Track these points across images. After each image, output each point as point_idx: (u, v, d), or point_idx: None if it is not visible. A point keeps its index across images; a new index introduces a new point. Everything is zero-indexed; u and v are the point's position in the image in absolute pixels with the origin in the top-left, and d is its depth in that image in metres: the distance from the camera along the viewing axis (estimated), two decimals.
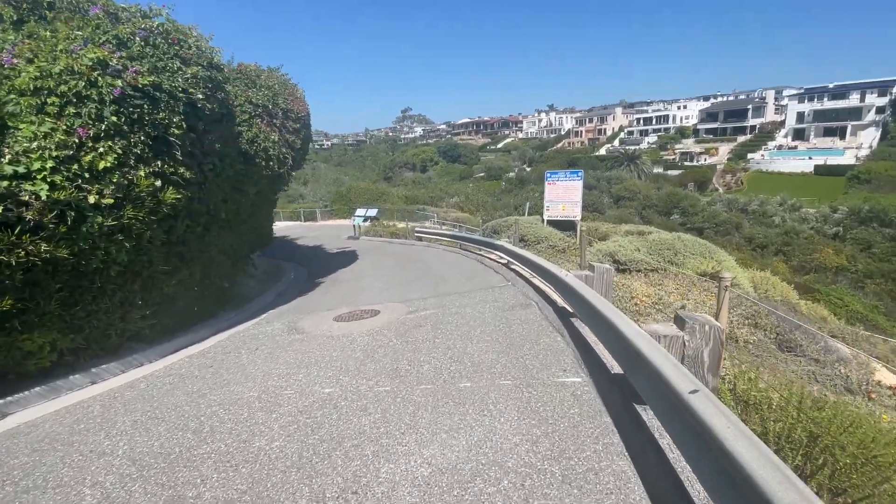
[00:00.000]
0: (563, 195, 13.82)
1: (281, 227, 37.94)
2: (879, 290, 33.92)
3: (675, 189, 58.58)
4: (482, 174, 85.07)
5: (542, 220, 14.67)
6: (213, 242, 8.72)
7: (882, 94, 63.06)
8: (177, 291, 7.64)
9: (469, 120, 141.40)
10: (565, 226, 14.52)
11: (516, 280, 9.47)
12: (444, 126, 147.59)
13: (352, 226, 28.99)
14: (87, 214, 5.67)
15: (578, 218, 13.88)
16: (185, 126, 7.13)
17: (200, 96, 7.42)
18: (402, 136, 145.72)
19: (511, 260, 10.17)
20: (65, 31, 6.40)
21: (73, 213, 5.50)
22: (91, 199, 5.72)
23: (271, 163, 10.89)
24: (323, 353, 6.08)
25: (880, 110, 63.24)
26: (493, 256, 12.01)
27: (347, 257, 18.01)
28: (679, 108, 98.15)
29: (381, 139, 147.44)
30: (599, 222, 15.74)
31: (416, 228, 19.79)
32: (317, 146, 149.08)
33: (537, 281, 8.22)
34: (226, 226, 9.48)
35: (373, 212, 37.14)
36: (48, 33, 6.38)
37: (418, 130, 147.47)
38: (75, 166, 5.64)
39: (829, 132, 68.95)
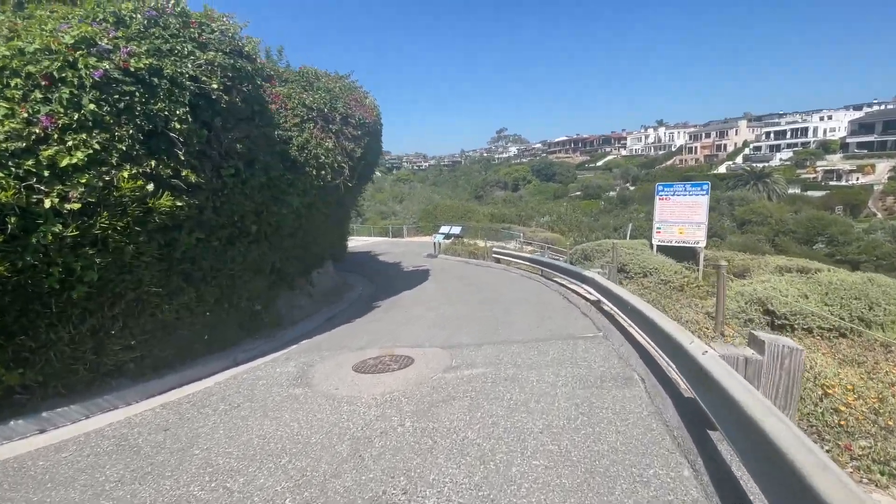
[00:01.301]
0: (681, 214, 10.52)
1: (369, 242, 38.42)
2: None
3: (820, 213, 48.19)
4: (578, 193, 79.79)
5: (651, 245, 11.45)
6: (238, 259, 7.40)
7: None
8: (179, 317, 6.33)
9: (566, 138, 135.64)
10: (682, 254, 11.11)
11: (610, 330, 6.67)
12: (539, 145, 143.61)
13: (432, 243, 27.66)
14: (38, 222, 4.46)
15: (702, 244, 10.44)
16: (191, 120, 5.85)
17: (216, 86, 6.12)
18: (497, 157, 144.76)
19: (603, 298, 7.37)
20: (63, 11, 5.50)
21: (17, 220, 4.31)
22: (47, 203, 4.51)
23: (323, 171, 9.53)
24: (301, 433, 4.09)
25: None
26: (580, 290, 9.24)
27: (417, 277, 16.35)
28: (822, 119, 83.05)
29: (475, 160, 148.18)
30: (726, 251, 11.89)
31: (494, 249, 17.49)
32: (415, 167, 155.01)
33: (641, 337, 5.42)
34: (260, 240, 8.20)
35: (456, 229, 35.63)
36: (45, 12, 5.52)
37: (513, 150, 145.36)
38: (30, 161, 4.48)
39: None
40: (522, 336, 6.85)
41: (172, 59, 5.79)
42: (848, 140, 73.66)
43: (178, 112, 5.68)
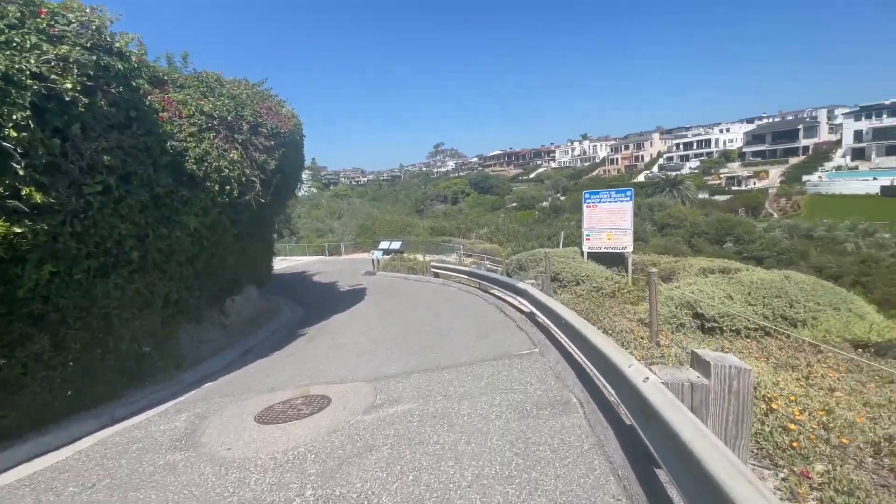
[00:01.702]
0: (608, 220, 10.60)
1: (304, 261, 36.42)
2: None
3: (726, 215, 53.08)
4: (514, 204, 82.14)
5: (582, 253, 11.45)
6: (115, 294, 6.13)
7: None
8: (27, 372, 5.01)
9: (500, 152, 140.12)
10: (611, 259, 11.19)
11: (545, 345, 6.25)
12: (475, 159, 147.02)
13: (371, 260, 26.62)
14: None
15: (629, 249, 10.58)
16: (34, 127, 4.68)
17: (70, 86, 5.00)
18: (435, 171, 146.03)
19: (537, 311, 6.98)
20: None
21: None
22: None
23: (228, 186, 8.42)
24: None
25: None
26: (516, 302, 8.86)
27: (352, 298, 15.33)
28: (721, 131, 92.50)
29: (414, 174, 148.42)
30: (651, 254, 12.25)
31: (433, 263, 16.93)
32: (353, 182, 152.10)
33: (577, 353, 5.01)
34: (147, 269, 6.95)
35: (396, 245, 34.83)
36: None
37: (450, 164, 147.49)
38: None
39: (892, 150, 61.84)
40: (456, 358, 6.24)
41: (8, 52, 4.63)
42: (744, 150, 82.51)
43: (14, 117, 4.52)
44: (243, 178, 8.76)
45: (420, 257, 26.90)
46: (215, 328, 10.51)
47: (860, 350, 4.67)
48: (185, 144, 7.97)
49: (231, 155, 8.53)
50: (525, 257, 11.94)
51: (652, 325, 4.98)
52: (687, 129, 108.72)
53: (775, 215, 60.03)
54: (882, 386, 3.68)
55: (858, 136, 64.60)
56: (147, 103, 7.69)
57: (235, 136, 8.86)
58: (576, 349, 4.85)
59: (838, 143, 68.95)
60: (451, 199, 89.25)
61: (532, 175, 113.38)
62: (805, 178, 65.31)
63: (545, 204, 76.42)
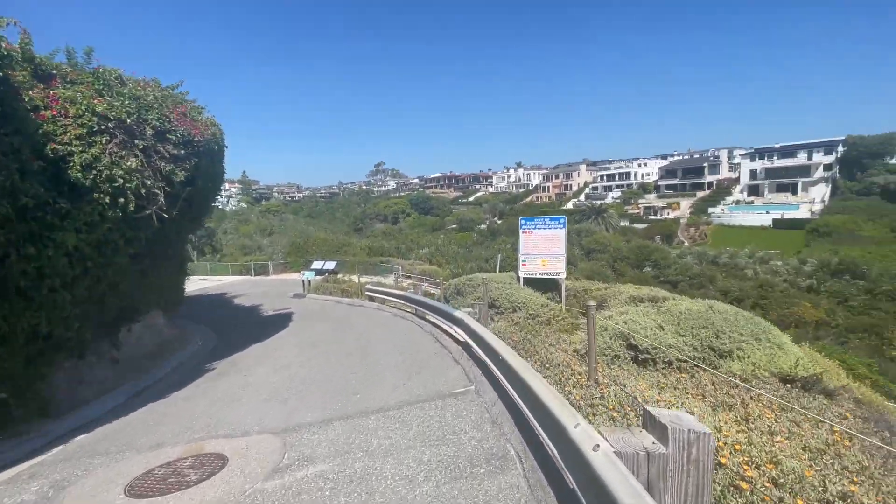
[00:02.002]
0: (543, 247, 10.62)
1: (227, 282, 33.65)
2: (864, 346, 31.75)
3: (645, 242, 57.49)
4: (454, 226, 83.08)
5: (518, 278, 11.34)
6: None
7: (828, 152, 65.84)
8: None
9: (441, 174, 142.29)
10: (546, 285, 11.18)
11: (482, 383, 5.80)
12: (416, 180, 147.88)
13: (301, 281, 25.05)
14: None
15: (562, 275, 10.63)
16: None
17: None
18: (376, 189, 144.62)
19: (474, 344, 6.55)
20: None
21: None
22: None
23: (122, 199, 7.21)
24: None
25: (828, 167, 65.71)
26: (453, 332, 8.39)
27: (275, 324, 14.03)
28: (639, 165, 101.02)
29: (354, 192, 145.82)
30: (584, 280, 12.51)
31: (368, 286, 16.10)
32: (287, 198, 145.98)
33: (515, 395, 4.60)
34: (6, 297, 5.61)
35: (330, 265, 33.35)
36: None
37: (391, 184, 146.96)
38: None
39: (781, 188, 71.00)
40: (384, 400, 5.58)
41: None
42: (659, 183, 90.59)
43: None
44: (143, 190, 7.57)
45: (356, 279, 25.87)
46: (103, 364, 8.91)
47: (788, 385, 4.76)
48: (69, 148, 6.73)
49: (129, 163, 7.35)
50: (463, 282, 11.60)
51: (590, 361, 4.72)
52: (610, 162, 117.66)
53: (686, 243, 65.92)
54: (816, 426, 3.64)
55: (753, 174, 73.43)
56: (24, 98, 6.45)
57: (136, 141, 7.69)
58: (514, 392, 4.43)
59: (737, 179, 77.85)
60: (391, 219, 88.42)
61: (471, 198, 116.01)
62: (710, 210, 72.69)
63: (483, 227, 78.11)
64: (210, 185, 11.37)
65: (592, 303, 4.64)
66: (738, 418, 3.75)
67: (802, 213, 62.70)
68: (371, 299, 15.91)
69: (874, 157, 60.04)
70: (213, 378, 8.41)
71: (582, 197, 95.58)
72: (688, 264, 47.68)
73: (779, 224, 62.15)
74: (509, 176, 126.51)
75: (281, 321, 14.74)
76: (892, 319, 31.95)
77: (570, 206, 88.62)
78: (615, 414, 3.92)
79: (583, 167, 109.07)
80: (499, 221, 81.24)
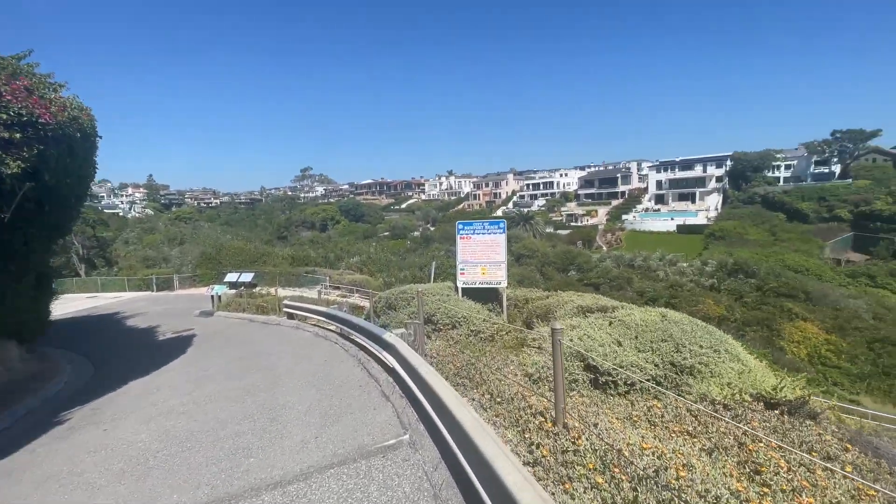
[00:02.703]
0: (482, 253, 9.68)
1: (123, 299, 29.13)
2: (758, 338, 35.21)
3: (568, 247, 60.08)
4: (387, 233, 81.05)
5: (456, 288, 10.30)
6: None
7: (719, 166, 73.88)
8: None
9: (373, 181, 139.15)
10: (486, 295, 10.25)
11: (418, 431, 4.51)
12: (346, 186, 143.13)
13: (209, 297, 22.00)
14: None
15: (504, 284, 9.77)
16: None
17: None
18: (303, 196, 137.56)
19: (408, 378, 5.25)
20: None
21: None
22: None
23: None
24: None
25: (719, 179, 73.66)
26: (383, 357, 7.04)
27: (167, 352, 11.65)
28: (561, 175, 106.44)
29: (278, 198, 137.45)
30: (522, 288, 11.78)
31: (286, 302, 14.12)
32: (202, 205, 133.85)
33: (463, 458, 3.40)
34: None
35: (247, 277, 30.13)
36: None
37: (319, 190, 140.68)
38: None
39: (682, 197, 78.35)
40: (288, 467, 4.10)
41: None
42: (578, 192, 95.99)
43: None
44: None
45: (277, 291, 23.31)
46: None
47: (774, 410, 4.13)
48: None
49: None
50: (396, 295, 10.28)
51: (557, 401, 3.68)
52: (535, 172, 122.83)
53: (604, 247, 70.02)
54: (830, 472, 2.89)
55: (659, 184, 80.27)
56: None
57: None
58: (460, 452, 3.24)
59: (646, 189, 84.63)
60: (319, 226, 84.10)
61: (404, 205, 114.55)
62: (624, 217, 78.12)
63: (417, 234, 77.06)
64: (71, 183, 8.95)
65: (559, 325, 3.62)
66: (750, 472, 2.90)
67: (700, 219, 69.48)
68: (290, 316, 13.96)
69: (755, 171, 68.34)
70: (63, 434, 6.26)
71: (510, 205, 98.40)
72: (608, 267, 50.32)
73: (681, 229, 68.28)
74: (441, 183, 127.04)
75: (177, 347, 12.33)
76: (780, 313, 35.92)
77: (499, 213, 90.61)
78: (599, 479, 2.88)
79: (510, 176, 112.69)
80: (432, 228, 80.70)
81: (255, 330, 13.76)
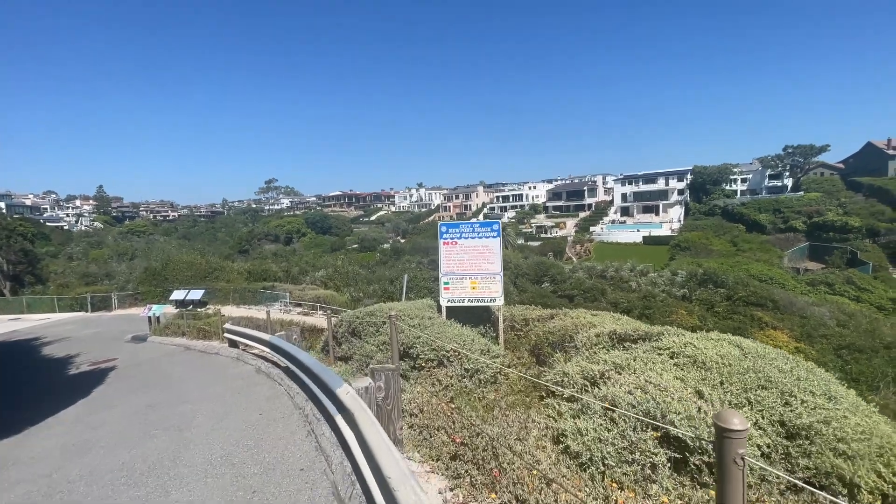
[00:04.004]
0: (472, 262, 7.58)
1: (50, 320, 25.21)
2: None
3: (541, 258, 59.09)
4: (355, 246, 77.79)
5: (439, 307, 8.16)
6: None
7: (680, 179, 75.63)
8: None
9: (341, 192, 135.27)
10: (476, 315, 8.13)
11: None
12: (313, 198, 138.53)
13: (147, 318, 18.80)
14: None
15: (499, 301, 7.70)
16: None
17: None
18: (267, 208, 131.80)
19: (374, 483, 3.02)
20: None
21: None
22: None
23: None
24: None
25: (681, 192, 75.33)
26: (337, 420, 4.72)
27: (68, 395, 8.86)
28: (530, 188, 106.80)
29: (241, 210, 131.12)
30: (521, 307, 9.67)
31: (227, 327, 11.47)
32: (159, 217, 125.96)
33: None
34: None
35: (196, 294, 26.81)
36: None
37: (285, 202, 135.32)
38: None
39: (647, 209, 79.62)
40: None
41: None
42: (547, 204, 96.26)
43: None
44: None
45: (222, 311, 20.25)
46: None
47: None
48: None
49: None
50: (362, 318, 7.98)
51: None
52: (504, 184, 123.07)
53: (574, 259, 69.71)
54: None
55: (624, 197, 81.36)
56: None
57: None
58: None
59: (612, 202, 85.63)
60: (283, 239, 79.85)
61: (373, 217, 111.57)
62: (591, 228, 78.43)
63: (386, 246, 74.29)
64: None
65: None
66: None
67: (665, 230, 70.49)
68: (232, 344, 11.34)
69: (714, 184, 70.22)
70: None
71: (481, 216, 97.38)
72: (581, 279, 49.40)
73: (647, 240, 68.94)
74: (411, 195, 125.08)
75: (82, 387, 9.50)
76: (750, 322, 35.71)
77: None
78: None
79: (480, 188, 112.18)
80: (402, 240, 78.22)
81: (188, 362, 11.04)
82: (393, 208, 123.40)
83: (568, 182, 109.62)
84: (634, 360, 4.42)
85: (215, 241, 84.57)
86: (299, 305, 25.32)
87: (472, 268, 7.58)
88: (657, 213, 77.77)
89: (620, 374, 4.26)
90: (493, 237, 7.61)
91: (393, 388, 3.78)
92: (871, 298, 37.79)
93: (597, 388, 4.12)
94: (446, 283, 7.63)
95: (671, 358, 4.47)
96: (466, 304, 7.59)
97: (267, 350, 8.87)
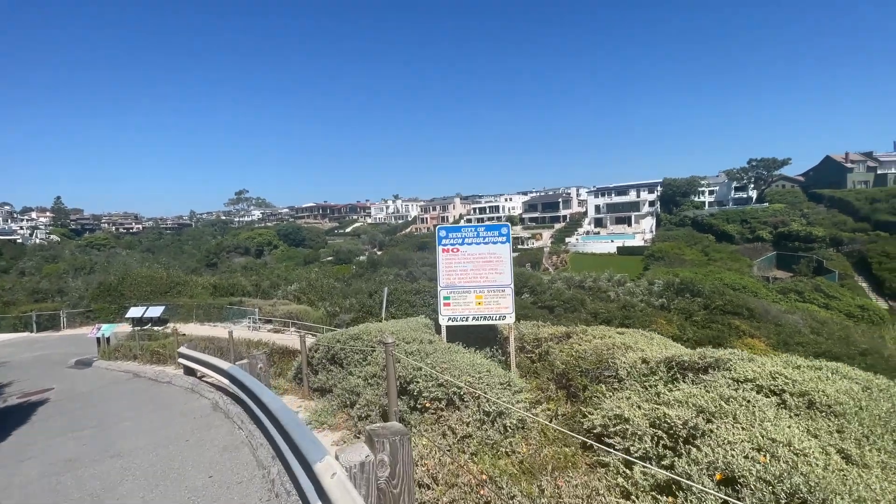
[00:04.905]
0: (477, 273, 6.32)
1: None
2: None
3: (520, 269, 58.54)
4: (330, 258, 75.27)
5: (437, 327, 6.86)
6: None
7: (651, 191, 77.20)
8: None
9: (315, 204, 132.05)
10: (481, 335, 6.86)
11: None
12: (286, 210, 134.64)
13: (95, 339, 16.62)
14: None
15: (510, 318, 6.47)
16: None
17: None
18: (238, 220, 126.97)
19: None
20: None
21: None
22: None
23: None
24: None
25: (652, 203, 76.84)
26: (325, 481, 3.36)
27: None
28: (506, 200, 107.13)
29: (210, 222, 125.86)
30: (527, 323, 8.49)
31: (182, 351, 9.75)
32: (122, 230, 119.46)
33: None
34: None
35: (155, 311, 24.42)
36: None
37: (256, 214, 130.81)
38: None
39: (619, 220, 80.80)
40: None
41: None
42: (523, 216, 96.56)
43: None
44: None
45: (192, 328, 18.28)
46: None
47: None
48: None
49: None
50: (345, 341, 6.55)
51: None
52: (480, 196, 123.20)
53: (551, 269, 69.59)
54: None
55: (598, 209, 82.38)
56: None
57: None
58: None
59: (585, 213, 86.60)
60: (254, 252, 76.50)
61: (349, 229, 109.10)
62: (567, 239, 78.78)
63: (363, 258, 72.18)
64: None
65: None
66: None
67: (637, 241, 71.43)
68: (188, 371, 9.63)
69: (684, 196, 71.92)
70: None
71: None
72: (560, 289, 48.91)
73: (621, 251, 69.62)
74: (388, 207, 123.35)
75: (4, 426, 7.63)
76: (728, 331, 35.82)
77: None
78: None
79: (457, 200, 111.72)
80: (379, 252, 76.30)
81: (133, 393, 9.26)
82: (369, 220, 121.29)
83: (543, 194, 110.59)
84: (727, 402, 3.24)
85: (181, 255, 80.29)
86: (269, 322, 23.35)
87: (477, 279, 6.32)
88: (630, 224, 78.97)
89: (712, 422, 3.07)
90: (502, 242, 6.39)
91: (402, 462, 2.47)
92: (840, 306, 38.61)
93: (688, 447, 2.90)
94: (446, 298, 6.33)
95: (770, 397, 3.32)
96: (471, 322, 6.30)
97: (226, 381, 7.29)
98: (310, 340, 8.32)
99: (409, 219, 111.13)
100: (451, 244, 6.41)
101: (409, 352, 5.08)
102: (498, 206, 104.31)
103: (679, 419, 3.18)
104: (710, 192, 76.55)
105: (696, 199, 73.74)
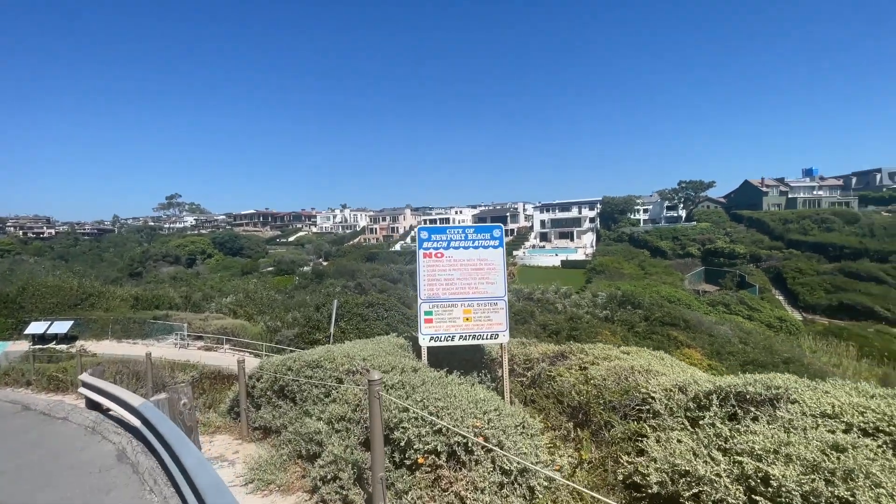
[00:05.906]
0: (465, 282, 5.28)
1: None
2: None
3: None
4: (271, 269, 70.56)
5: (416, 347, 5.70)
6: None
7: (591, 208, 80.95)
8: None
9: (255, 211, 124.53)
10: (466, 357, 5.81)
11: None
12: (223, 217, 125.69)
13: None
14: None
15: (505, 338, 5.48)
16: None
17: None
18: (168, 226, 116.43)
19: None
20: None
21: None
22: None
23: None
24: None
25: (592, 220, 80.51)
26: None
27: None
28: (456, 212, 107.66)
29: (135, 228, 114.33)
30: (519, 338, 7.45)
31: (84, 379, 7.72)
32: (31, 234, 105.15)
33: None
34: None
35: (62, 327, 20.88)
36: None
37: (189, 220, 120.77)
38: None
39: (563, 235, 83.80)
40: None
41: None
42: None
43: None
44: None
45: (107, 346, 15.50)
46: None
47: None
48: None
49: None
50: (299, 369, 5.14)
51: None
52: (431, 208, 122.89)
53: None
54: None
55: (543, 223, 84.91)
56: None
57: None
58: None
59: (531, 228, 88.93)
60: (185, 261, 69.97)
61: (292, 238, 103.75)
62: (515, 252, 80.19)
63: (307, 269, 68.38)
64: None
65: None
66: None
67: (580, 255, 74.23)
68: (91, 404, 7.62)
69: (621, 213, 76.07)
70: None
71: (408, 239, 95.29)
72: (511, 301, 49.24)
73: (566, 264, 71.92)
74: (335, 216, 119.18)
75: None
76: (667, 341, 37.55)
77: (398, 247, 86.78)
78: None
79: (408, 211, 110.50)
80: (325, 263, 72.80)
81: (15, 435, 7.07)
82: (314, 229, 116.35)
83: (491, 208, 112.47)
84: (841, 452, 2.42)
85: (100, 263, 71.65)
86: (200, 338, 20.64)
87: (465, 290, 5.27)
88: (572, 239, 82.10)
89: (834, 483, 2.23)
90: (494, 247, 5.41)
91: None
92: (762, 317, 41.83)
93: None
94: (428, 314, 5.21)
95: (864, 437, 2.56)
96: (458, 342, 5.23)
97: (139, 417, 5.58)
98: (251, 363, 6.77)
99: (358, 229, 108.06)
100: (435, 248, 5.32)
101: (390, 385, 3.90)
102: (448, 219, 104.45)
103: (789, 479, 2.30)
104: (645, 211, 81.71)
105: (633, 216, 78.30)
